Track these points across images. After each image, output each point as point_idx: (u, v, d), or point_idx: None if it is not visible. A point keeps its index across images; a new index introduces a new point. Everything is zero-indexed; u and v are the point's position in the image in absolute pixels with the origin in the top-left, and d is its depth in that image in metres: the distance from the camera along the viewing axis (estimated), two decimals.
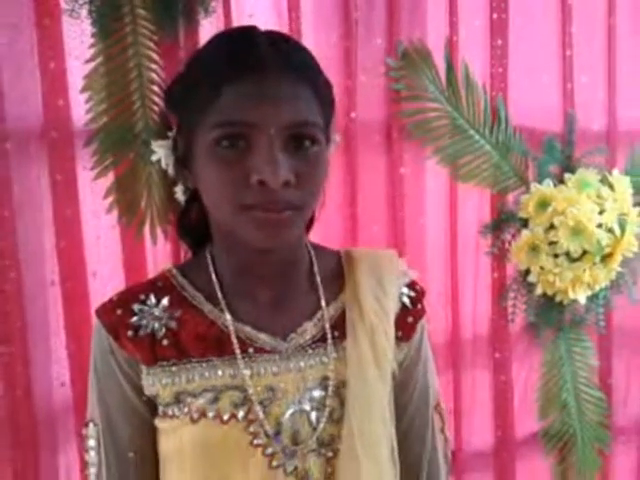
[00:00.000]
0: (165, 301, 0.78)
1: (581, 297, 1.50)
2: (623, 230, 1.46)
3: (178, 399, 0.75)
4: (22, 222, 1.16)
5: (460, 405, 1.57)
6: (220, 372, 0.75)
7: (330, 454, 0.76)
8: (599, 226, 1.43)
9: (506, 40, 1.46)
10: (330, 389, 0.77)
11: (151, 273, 1.18)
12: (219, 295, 0.78)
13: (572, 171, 1.49)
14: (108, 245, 1.24)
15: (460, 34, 1.41)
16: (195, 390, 0.74)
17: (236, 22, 1.22)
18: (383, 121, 1.41)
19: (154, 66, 1.20)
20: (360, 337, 0.77)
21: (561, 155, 1.51)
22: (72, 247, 1.20)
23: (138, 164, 1.20)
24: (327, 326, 0.79)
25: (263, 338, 0.77)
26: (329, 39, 1.34)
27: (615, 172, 1.51)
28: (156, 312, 0.77)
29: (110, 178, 1.21)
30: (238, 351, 0.75)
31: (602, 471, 1.73)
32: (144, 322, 0.76)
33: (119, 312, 0.77)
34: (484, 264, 1.55)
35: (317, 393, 0.76)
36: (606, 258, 1.47)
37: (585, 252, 1.45)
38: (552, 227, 1.45)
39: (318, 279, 0.81)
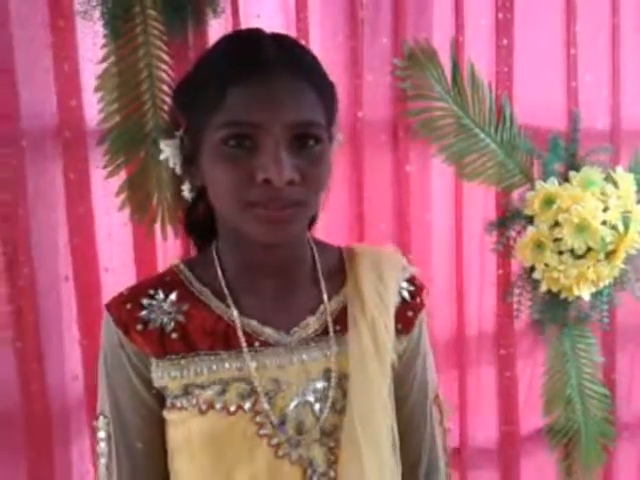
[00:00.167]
0: (173, 296, 0.80)
1: (585, 294, 1.52)
2: (627, 227, 1.47)
3: (186, 391, 0.77)
4: (36, 219, 1.20)
5: (465, 401, 1.58)
6: (227, 365, 0.77)
7: (332, 443, 0.78)
8: (603, 223, 1.45)
9: (511, 39, 1.48)
10: (332, 381, 0.78)
11: (161, 269, 1.19)
12: (225, 290, 0.80)
13: (577, 169, 1.50)
14: (120, 242, 1.27)
15: (466, 34, 1.43)
16: (203, 382, 0.76)
17: (244, 23, 1.25)
18: (389, 120, 1.43)
19: (164, 66, 1.23)
20: (361, 331, 0.79)
21: (565, 153, 1.52)
22: (85, 243, 1.23)
23: (149, 163, 1.22)
24: (329, 320, 0.81)
25: (268, 332, 0.79)
26: (336, 39, 1.36)
27: (619, 170, 1.52)
28: (165, 306, 0.79)
29: (122, 176, 1.24)
30: (244, 345, 0.77)
31: (606, 466, 1.74)
32: (153, 316, 0.78)
33: (128, 306, 0.79)
34: (489, 261, 1.56)
35: (320, 385, 0.78)
36: (610, 255, 1.48)
37: (589, 249, 1.46)
38: (557, 224, 1.46)
39: (320, 274, 0.83)
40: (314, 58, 0.78)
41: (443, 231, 1.51)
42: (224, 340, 0.78)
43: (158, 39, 1.22)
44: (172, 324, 0.78)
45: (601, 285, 1.53)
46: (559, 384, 1.64)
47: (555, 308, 1.57)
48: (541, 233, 1.47)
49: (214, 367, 0.77)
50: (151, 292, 0.80)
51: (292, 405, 0.77)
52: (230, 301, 0.79)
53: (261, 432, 0.76)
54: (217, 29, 1.23)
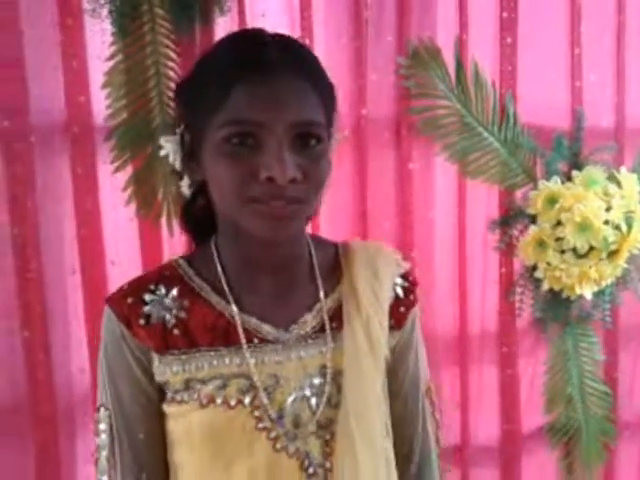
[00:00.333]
0: (174, 292, 0.81)
1: (587, 293, 1.52)
2: (630, 227, 1.47)
3: (188, 385, 0.78)
4: (44, 213, 1.22)
5: (467, 399, 1.59)
6: (228, 361, 0.78)
7: (328, 436, 0.79)
8: (606, 223, 1.45)
9: (515, 38, 1.48)
10: (328, 376, 0.80)
11: None
12: (225, 287, 0.81)
13: (580, 168, 1.51)
14: (126, 236, 1.29)
15: (470, 32, 1.44)
16: (204, 377, 0.78)
17: (249, 21, 1.26)
18: (393, 118, 1.44)
19: (171, 64, 1.25)
20: (356, 328, 0.81)
21: (569, 152, 1.53)
22: (92, 237, 1.25)
23: (155, 158, 1.24)
24: (325, 317, 0.82)
25: (267, 329, 0.80)
26: (340, 38, 1.37)
27: (623, 170, 1.53)
28: (166, 302, 0.80)
29: (128, 172, 1.26)
30: (244, 341, 0.78)
31: (607, 465, 1.75)
32: (155, 312, 0.79)
33: (130, 301, 0.80)
34: (492, 259, 1.57)
35: (317, 380, 0.80)
36: (613, 255, 1.49)
37: (592, 248, 1.47)
38: (559, 223, 1.47)
39: (317, 272, 0.84)
40: (315, 59, 0.79)
41: (446, 229, 1.52)
42: (224, 336, 0.79)
43: (165, 37, 1.23)
44: (174, 320, 0.79)
45: (603, 284, 1.53)
46: (561, 382, 1.65)
47: (557, 307, 1.58)
48: (543, 232, 1.47)
49: (215, 362, 0.78)
50: (152, 287, 0.81)
51: (290, 400, 0.79)
52: (230, 298, 0.80)
53: (260, 426, 0.78)
54: (224, 27, 1.24)
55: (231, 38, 0.79)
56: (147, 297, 0.80)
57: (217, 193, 0.76)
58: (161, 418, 0.82)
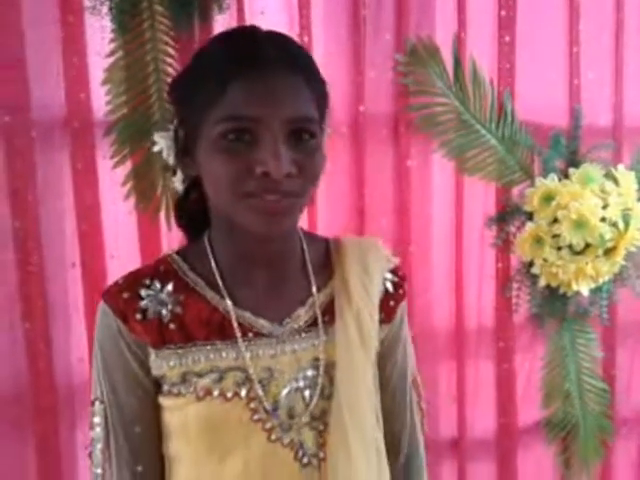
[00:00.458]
0: (170, 287, 0.81)
1: (584, 289, 1.53)
2: (627, 225, 1.48)
3: (184, 379, 0.79)
4: (44, 207, 1.24)
5: (464, 393, 1.61)
6: (224, 354, 0.79)
7: (322, 427, 0.81)
8: (603, 220, 1.46)
9: (514, 36, 1.49)
10: (321, 369, 0.81)
11: None
12: (219, 282, 0.82)
13: (577, 166, 1.52)
14: (126, 230, 1.30)
15: (468, 30, 1.44)
16: (201, 371, 0.79)
17: (248, 19, 1.28)
18: (391, 115, 1.45)
19: (170, 60, 1.26)
20: (348, 321, 0.82)
21: (566, 150, 1.53)
22: (92, 231, 1.27)
23: (154, 153, 1.24)
24: (318, 312, 0.83)
25: (261, 323, 0.81)
26: (339, 35, 1.38)
27: (620, 167, 1.53)
28: (162, 297, 0.81)
29: (128, 167, 1.28)
30: (239, 335, 0.80)
31: (605, 461, 1.76)
32: (151, 307, 0.80)
33: (126, 296, 0.81)
34: (489, 255, 1.58)
35: (310, 373, 0.81)
36: (610, 252, 1.49)
37: (588, 245, 1.47)
38: (556, 220, 1.47)
39: (310, 266, 0.85)
40: (308, 55, 0.80)
41: (443, 225, 1.53)
42: (220, 330, 0.80)
43: (165, 34, 1.25)
44: (170, 315, 0.80)
45: (600, 281, 1.54)
46: (558, 378, 1.66)
47: (554, 303, 1.59)
48: (540, 229, 1.48)
49: (211, 356, 0.79)
50: (147, 282, 0.82)
51: (284, 392, 0.80)
52: (224, 292, 0.82)
53: (255, 417, 0.79)
54: (222, 25, 1.25)
55: (225, 35, 0.80)
56: (143, 292, 0.81)
57: (212, 188, 0.77)
58: (157, 411, 0.82)
